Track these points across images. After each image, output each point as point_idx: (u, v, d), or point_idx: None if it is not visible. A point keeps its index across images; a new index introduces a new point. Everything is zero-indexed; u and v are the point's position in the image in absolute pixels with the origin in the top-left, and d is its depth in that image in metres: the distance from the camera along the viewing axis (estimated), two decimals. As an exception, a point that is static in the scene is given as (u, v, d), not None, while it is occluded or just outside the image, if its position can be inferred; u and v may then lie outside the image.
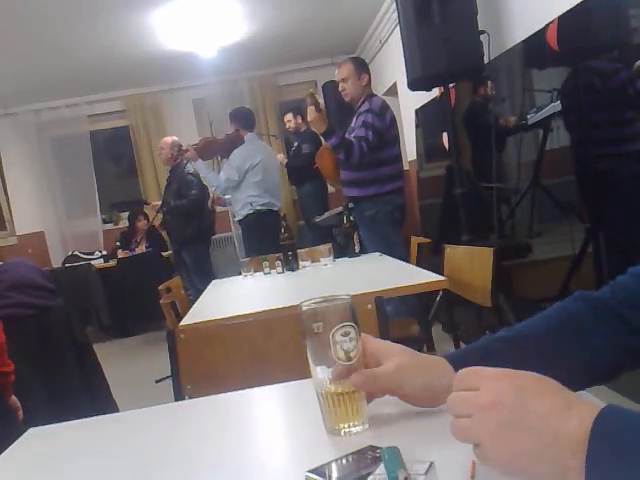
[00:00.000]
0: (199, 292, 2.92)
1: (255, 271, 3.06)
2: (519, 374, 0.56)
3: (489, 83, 3.53)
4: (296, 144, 5.54)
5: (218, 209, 5.26)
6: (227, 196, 4.92)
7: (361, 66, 3.63)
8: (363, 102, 3.51)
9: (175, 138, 4.97)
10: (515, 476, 0.54)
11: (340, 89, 3.62)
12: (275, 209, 4.64)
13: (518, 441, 0.52)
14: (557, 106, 2.79)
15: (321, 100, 4.39)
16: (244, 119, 4.68)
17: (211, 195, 5.12)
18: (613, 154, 2.53)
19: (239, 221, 4.69)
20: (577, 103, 2.64)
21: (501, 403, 0.54)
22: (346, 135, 3.49)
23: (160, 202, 5.21)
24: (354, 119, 3.54)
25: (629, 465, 0.45)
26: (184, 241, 4.98)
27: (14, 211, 6.95)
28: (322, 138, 3.60)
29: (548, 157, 2.97)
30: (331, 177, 3.81)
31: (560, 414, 0.51)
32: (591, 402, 0.52)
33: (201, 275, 4.87)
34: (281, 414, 1.00)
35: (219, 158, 4.92)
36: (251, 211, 4.52)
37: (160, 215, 5.24)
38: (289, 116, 5.51)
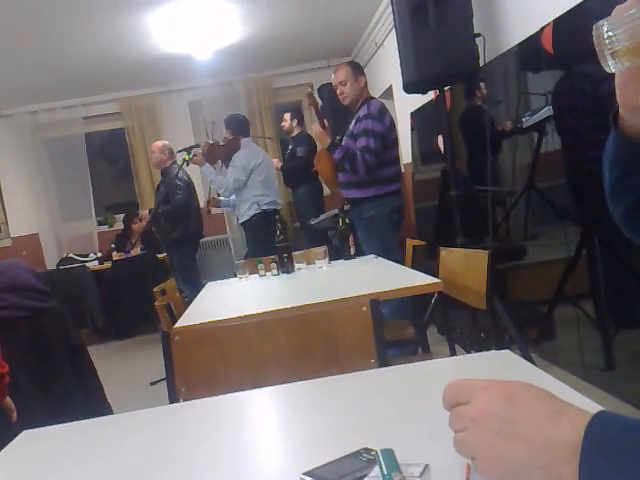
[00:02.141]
0: (194, 295, 2.92)
1: (250, 273, 3.06)
2: (507, 383, 0.56)
3: (484, 86, 3.54)
4: (290, 147, 5.56)
5: (213, 211, 5.24)
6: (224, 198, 4.91)
7: (357, 69, 3.64)
8: (362, 105, 3.51)
9: (166, 142, 5.02)
10: None
11: (338, 92, 3.62)
12: (279, 208, 4.67)
13: (510, 449, 0.51)
14: (552, 109, 2.80)
15: (319, 101, 4.40)
16: (240, 126, 4.72)
17: (206, 197, 5.11)
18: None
19: (244, 222, 4.68)
20: (571, 106, 2.65)
21: (489, 412, 0.53)
22: (345, 137, 3.51)
23: (149, 208, 5.26)
24: (352, 122, 3.55)
25: (623, 471, 0.45)
26: (171, 244, 5.01)
27: (9, 213, 6.92)
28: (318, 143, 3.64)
29: (543, 160, 2.97)
30: (330, 180, 3.80)
31: (551, 420, 0.50)
32: (581, 408, 0.51)
33: (184, 278, 4.88)
34: (276, 416, 1.00)
35: (220, 163, 4.93)
36: (258, 211, 4.54)
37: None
38: (287, 116, 5.55)
